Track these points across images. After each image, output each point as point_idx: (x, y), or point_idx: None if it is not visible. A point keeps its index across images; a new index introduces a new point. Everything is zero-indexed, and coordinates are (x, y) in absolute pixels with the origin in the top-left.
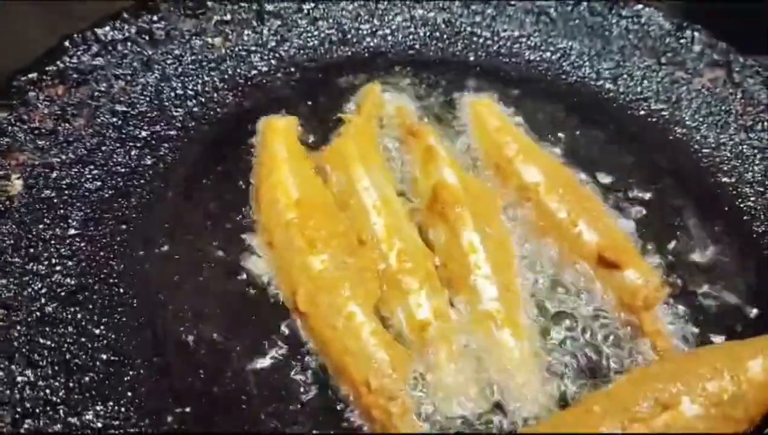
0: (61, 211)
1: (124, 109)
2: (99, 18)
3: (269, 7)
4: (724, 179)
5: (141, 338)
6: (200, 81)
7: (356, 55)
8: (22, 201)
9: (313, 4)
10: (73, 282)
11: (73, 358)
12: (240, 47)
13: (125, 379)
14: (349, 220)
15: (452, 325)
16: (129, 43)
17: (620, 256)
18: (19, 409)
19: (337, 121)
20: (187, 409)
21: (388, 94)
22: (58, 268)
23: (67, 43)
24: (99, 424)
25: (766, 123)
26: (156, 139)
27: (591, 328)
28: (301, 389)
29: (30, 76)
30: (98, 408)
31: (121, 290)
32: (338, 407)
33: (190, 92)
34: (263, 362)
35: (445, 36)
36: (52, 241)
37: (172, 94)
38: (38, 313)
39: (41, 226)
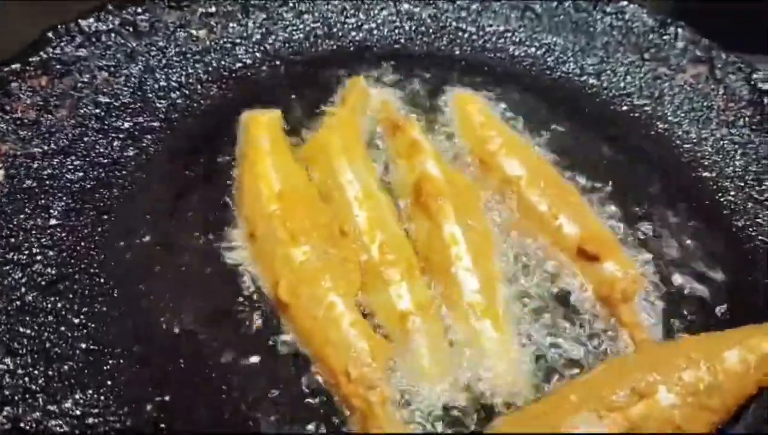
0: (42, 201)
1: (107, 100)
2: (83, 9)
3: (254, 0)
4: (705, 174)
5: (121, 328)
6: (184, 73)
7: (341, 49)
8: (3, 191)
9: None
10: (53, 272)
11: (53, 347)
12: (225, 40)
13: (105, 367)
14: (331, 212)
15: (433, 316)
16: (113, 35)
17: (600, 249)
18: None
19: (322, 114)
20: (167, 398)
21: (372, 88)
22: (38, 257)
23: (50, 35)
24: (78, 412)
25: (747, 119)
26: (139, 131)
27: (570, 320)
28: (282, 379)
29: (13, 66)
30: (77, 396)
31: (102, 280)
32: (319, 397)
33: (173, 84)
34: (244, 352)
35: (430, 30)
36: (33, 231)
37: (156, 85)
38: (18, 302)
39: (22, 216)
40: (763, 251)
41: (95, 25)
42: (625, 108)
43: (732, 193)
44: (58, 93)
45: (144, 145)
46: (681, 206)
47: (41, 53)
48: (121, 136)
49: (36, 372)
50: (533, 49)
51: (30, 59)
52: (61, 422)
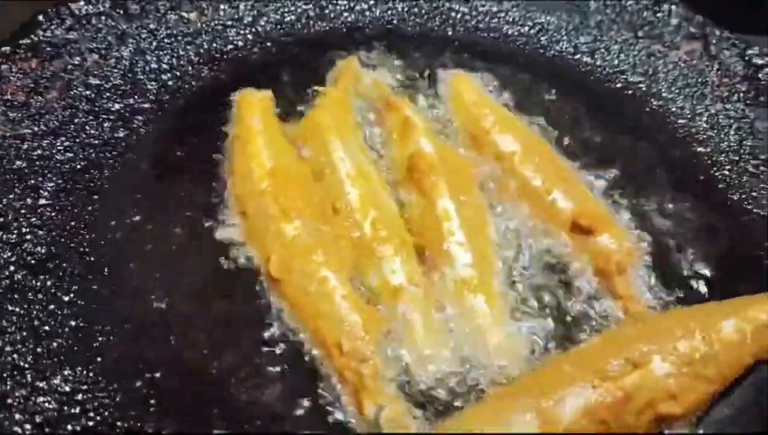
0: (32, 181)
1: (98, 82)
2: None
3: None
4: (700, 149)
5: (111, 306)
6: (175, 55)
7: (334, 30)
8: None
9: None
10: (43, 251)
11: (42, 325)
12: (216, 22)
13: (94, 344)
14: (324, 190)
15: (426, 291)
16: (103, 18)
17: (594, 222)
18: None
19: (314, 94)
20: (157, 375)
21: (365, 68)
22: (28, 236)
23: (41, 18)
24: (67, 388)
25: (741, 94)
26: (129, 112)
27: (564, 293)
28: (274, 358)
29: (3, 49)
30: (66, 372)
31: (92, 259)
32: (311, 377)
33: (164, 66)
34: (235, 330)
35: (423, 11)
36: (23, 211)
37: (147, 67)
38: (7, 281)
39: (12, 196)
40: (758, 224)
41: (86, 8)
42: (619, 85)
43: (727, 167)
44: (48, 75)
45: (134, 126)
46: (676, 181)
47: (31, 36)
48: (111, 117)
49: (24, 349)
50: (526, 29)
51: (20, 42)
52: (49, 398)
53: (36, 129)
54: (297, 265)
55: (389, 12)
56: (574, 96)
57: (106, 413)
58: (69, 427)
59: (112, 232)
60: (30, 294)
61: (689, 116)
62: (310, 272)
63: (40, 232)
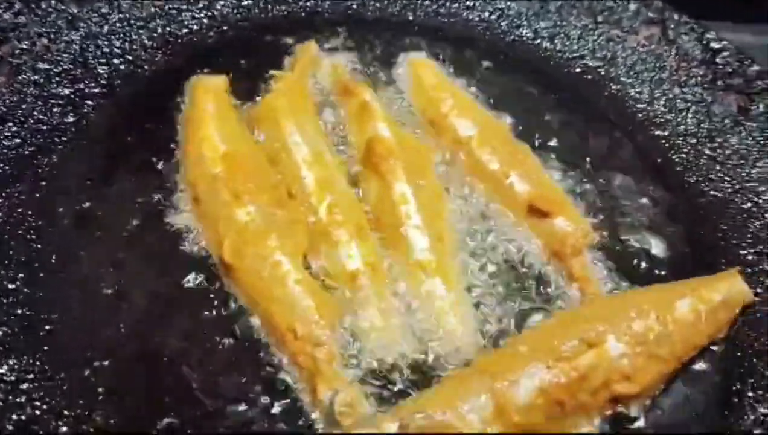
0: None
1: (47, 66)
2: None
3: None
4: (658, 132)
5: (59, 293)
6: (128, 39)
7: (292, 15)
8: None
9: None
10: None
11: None
12: (170, 6)
13: (41, 333)
14: (279, 175)
15: (383, 275)
16: (53, 1)
17: (550, 205)
18: None
19: (270, 79)
20: (106, 363)
21: (324, 52)
22: None
23: None
24: (12, 378)
25: (699, 78)
26: (79, 97)
27: (520, 277)
28: (227, 344)
29: None
30: (11, 362)
31: (39, 246)
32: (265, 362)
33: (116, 50)
34: (187, 317)
35: None
36: None
37: (98, 52)
38: None
39: None
40: (715, 206)
41: None
42: (578, 70)
43: (684, 150)
44: None
45: (84, 111)
46: (634, 164)
47: None
48: (60, 102)
49: None
50: (487, 14)
51: None
52: None
53: None
54: (250, 250)
55: None
56: (533, 81)
57: (53, 402)
58: (14, 416)
59: (61, 218)
60: None
61: (647, 100)
62: (263, 257)
63: None
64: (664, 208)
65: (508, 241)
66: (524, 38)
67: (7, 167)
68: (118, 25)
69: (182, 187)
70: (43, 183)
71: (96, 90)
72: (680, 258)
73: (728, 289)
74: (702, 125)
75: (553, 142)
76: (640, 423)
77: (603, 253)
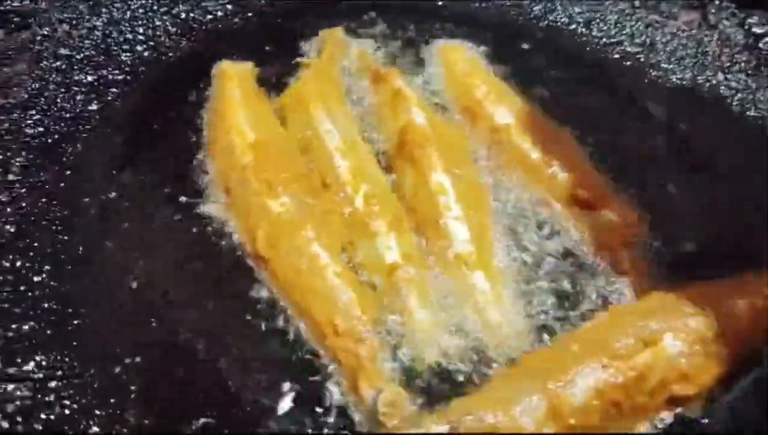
0: (0, 156)
1: (69, 53)
2: None
3: None
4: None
5: (86, 286)
6: (151, 26)
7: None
8: None
9: None
10: (12, 229)
11: (13, 307)
12: None
13: (69, 328)
14: (311, 164)
15: (422, 268)
16: None
17: (595, 195)
18: None
19: (298, 66)
20: (137, 359)
21: (350, 38)
22: None
23: None
24: (40, 375)
25: (742, 64)
26: (103, 84)
27: (567, 268)
28: (264, 340)
29: None
30: (39, 358)
31: (65, 237)
32: (304, 359)
33: (140, 37)
34: (219, 310)
35: None
36: None
37: (121, 38)
38: None
39: None
40: (764, 199)
41: None
42: (616, 56)
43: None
44: (17, 46)
45: (108, 98)
46: (676, 155)
47: None
48: (83, 89)
49: None
50: None
51: None
52: (21, 386)
53: (4, 101)
54: (285, 242)
55: None
56: (569, 67)
57: (84, 401)
58: (43, 415)
59: (87, 208)
60: None
61: (690, 87)
62: (300, 249)
63: (9, 210)
64: (709, 204)
65: (552, 232)
66: (559, 23)
67: (30, 156)
68: (141, 11)
69: (211, 177)
70: (67, 172)
71: (119, 77)
72: (731, 254)
73: None
74: (747, 113)
75: (591, 131)
76: (698, 424)
77: (650, 246)
